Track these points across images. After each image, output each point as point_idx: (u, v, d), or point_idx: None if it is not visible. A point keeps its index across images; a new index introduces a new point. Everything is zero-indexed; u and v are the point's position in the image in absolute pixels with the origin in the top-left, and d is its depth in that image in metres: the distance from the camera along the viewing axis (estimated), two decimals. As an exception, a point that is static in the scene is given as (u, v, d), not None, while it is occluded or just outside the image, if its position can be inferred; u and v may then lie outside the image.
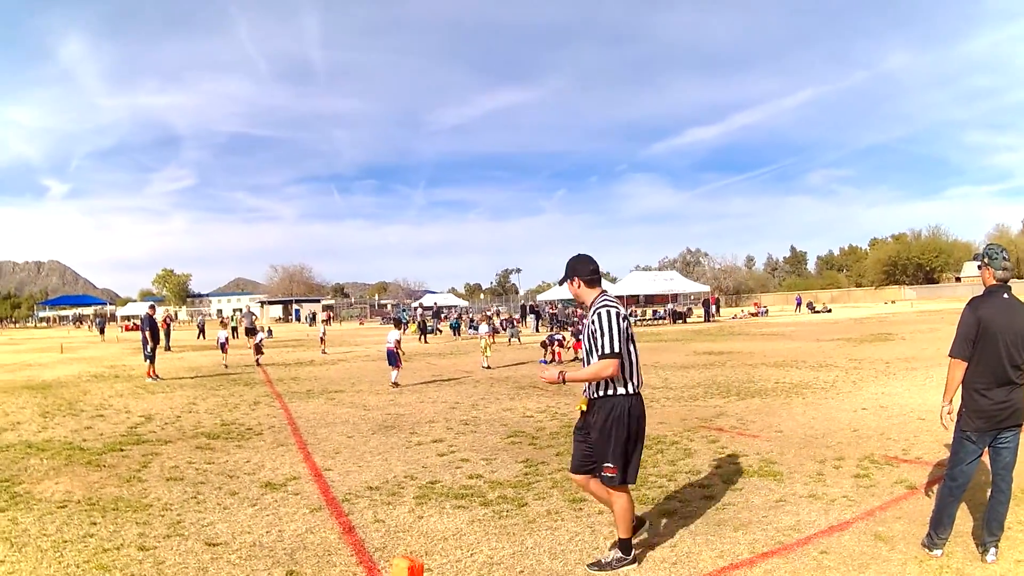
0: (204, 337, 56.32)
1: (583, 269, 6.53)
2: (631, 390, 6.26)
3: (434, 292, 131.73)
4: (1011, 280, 6.37)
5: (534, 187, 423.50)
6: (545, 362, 27.06)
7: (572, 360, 27.55)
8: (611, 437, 6.20)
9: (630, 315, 52.82)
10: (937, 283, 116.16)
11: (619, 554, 6.40)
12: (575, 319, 51.06)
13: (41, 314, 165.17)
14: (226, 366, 28.86)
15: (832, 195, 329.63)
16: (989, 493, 6.36)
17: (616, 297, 6.79)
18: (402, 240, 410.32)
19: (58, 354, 39.78)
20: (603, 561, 6.40)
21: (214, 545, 7.15)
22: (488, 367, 25.10)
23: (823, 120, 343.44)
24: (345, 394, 19.35)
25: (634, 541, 6.57)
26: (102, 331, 66.52)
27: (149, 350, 24.18)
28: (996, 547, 6.17)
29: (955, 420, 6.39)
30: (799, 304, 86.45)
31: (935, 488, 7.18)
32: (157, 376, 24.00)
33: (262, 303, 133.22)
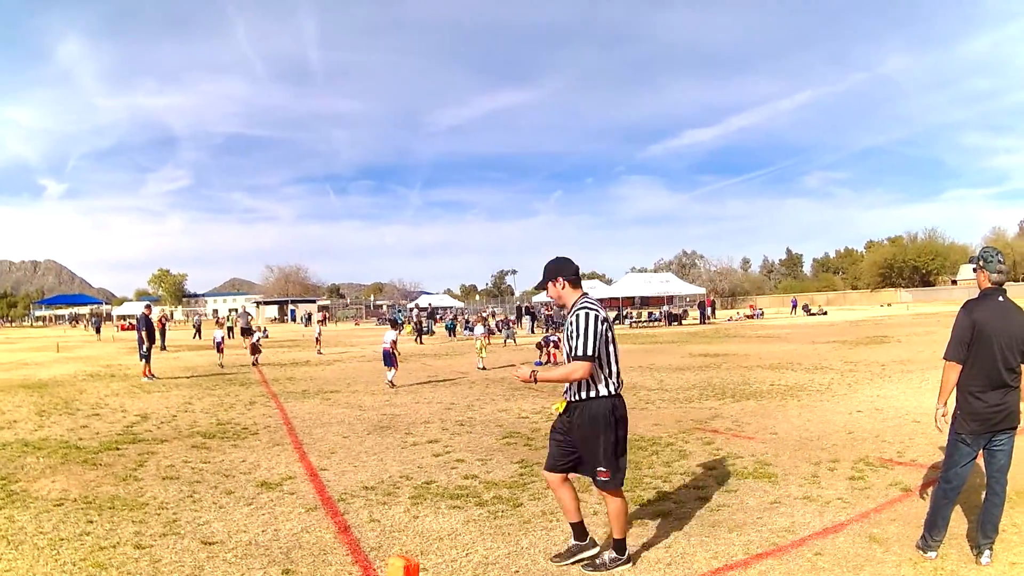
0: (200, 337, 56.35)
1: (567, 270, 6.55)
2: (612, 391, 6.29)
3: (430, 293, 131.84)
4: (1007, 283, 6.39)
5: (531, 188, 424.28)
6: (540, 363, 27.00)
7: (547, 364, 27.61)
8: (599, 440, 6.23)
9: (625, 316, 52.74)
10: (933, 286, 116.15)
11: (614, 554, 6.43)
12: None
13: (37, 313, 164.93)
14: (221, 365, 28.89)
15: (828, 197, 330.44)
16: (983, 496, 6.38)
17: (598, 300, 6.81)
18: (398, 241, 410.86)
19: (54, 353, 39.70)
20: (598, 562, 6.42)
21: (210, 544, 7.17)
22: (483, 368, 25.05)
23: (820, 122, 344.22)
24: (341, 394, 19.34)
25: (629, 543, 6.60)
26: (98, 330, 66.49)
27: (145, 350, 24.14)
28: (991, 549, 6.18)
29: (950, 423, 6.41)
30: (795, 306, 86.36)
31: (930, 490, 7.22)
32: (153, 375, 23.98)
33: (258, 303, 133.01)
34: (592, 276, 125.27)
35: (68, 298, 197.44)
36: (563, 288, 6.50)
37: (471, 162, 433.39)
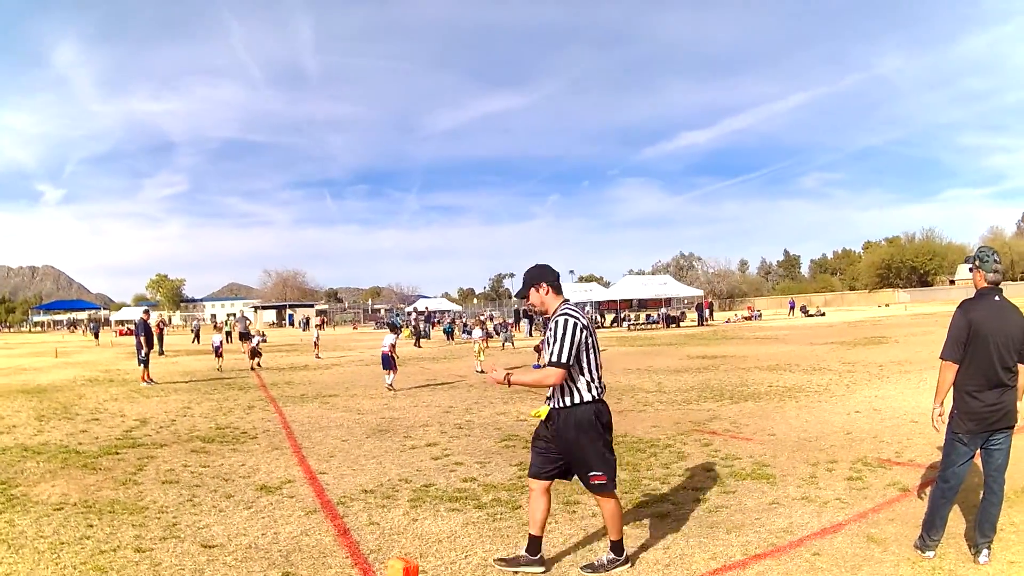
0: (199, 342, 56.34)
1: (549, 276, 6.55)
2: (595, 396, 6.28)
3: (427, 297, 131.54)
4: (1004, 283, 6.41)
5: (527, 192, 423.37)
6: (538, 366, 26.98)
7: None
8: (588, 446, 6.23)
9: (623, 319, 52.71)
10: (931, 286, 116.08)
11: (612, 555, 6.43)
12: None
13: (35, 319, 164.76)
14: (219, 369, 29.00)
15: (825, 198, 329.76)
16: (981, 495, 6.39)
17: (577, 304, 6.82)
18: (395, 245, 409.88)
19: (53, 358, 39.72)
20: (596, 563, 6.43)
21: (210, 547, 7.18)
22: (482, 371, 24.79)
23: (816, 123, 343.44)
24: (339, 398, 19.35)
25: (626, 544, 6.61)
26: (97, 335, 66.61)
27: (143, 355, 24.17)
28: (988, 549, 6.20)
29: (946, 422, 6.43)
30: (792, 308, 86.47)
31: (928, 490, 7.19)
32: (151, 380, 24.00)
33: (256, 308, 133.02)
34: (590, 279, 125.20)
35: (66, 303, 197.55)
36: (546, 294, 6.51)
37: (467, 166, 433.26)
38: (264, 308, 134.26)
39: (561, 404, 6.28)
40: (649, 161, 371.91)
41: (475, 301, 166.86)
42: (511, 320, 69.95)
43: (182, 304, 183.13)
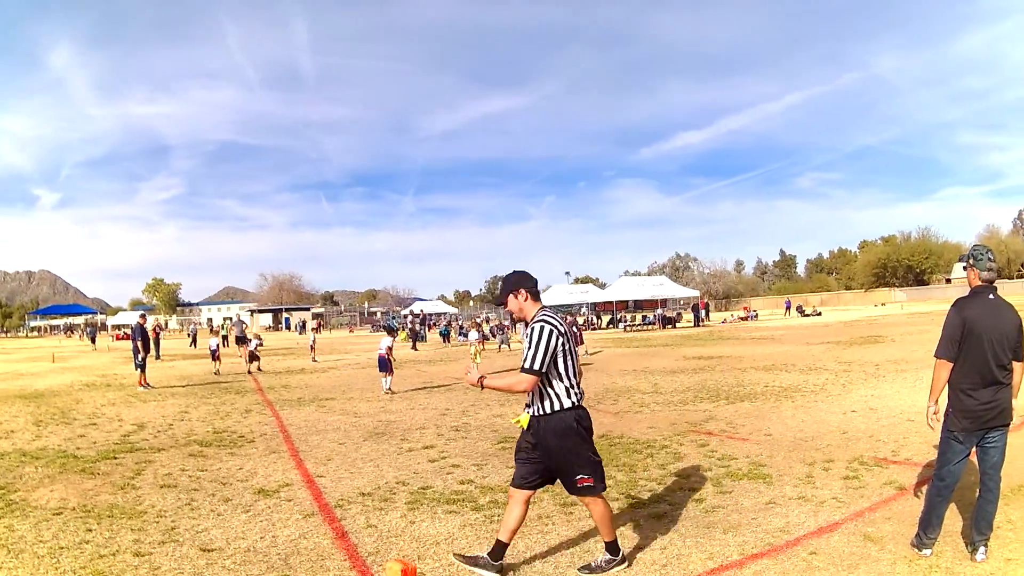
0: (196, 346, 56.32)
1: (528, 283, 6.55)
2: (575, 402, 6.27)
3: (423, 299, 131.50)
4: (1001, 281, 6.44)
5: (523, 193, 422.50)
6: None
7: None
8: (571, 451, 6.22)
9: (620, 320, 52.67)
10: (927, 285, 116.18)
11: (608, 556, 6.45)
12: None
13: (32, 323, 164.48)
14: (217, 373, 29.03)
15: (822, 198, 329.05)
16: (977, 493, 6.41)
17: (555, 308, 6.83)
18: (391, 247, 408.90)
19: (50, 363, 39.68)
20: (593, 564, 6.44)
21: (209, 551, 7.20)
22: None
23: (812, 123, 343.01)
24: (336, 401, 19.37)
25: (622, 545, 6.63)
26: (93, 340, 66.56)
27: (140, 359, 24.17)
28: (985, 546, 6.22)
29: (942, 420, 6.46)
30: (788, 307, 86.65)
31: (924, 489, 7.22)
32: (148, 385, 23.98)
33: (252, 311, 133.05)
34: (586, 280, 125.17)
35: (63, 308, 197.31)
36: (524, 301, 6.49)
37: (463, 167, 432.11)
38: (260, 311, 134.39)
39: (541, 411, 6.26)
40: (645, 162, 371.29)
41: (471, 303, 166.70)
42: (507, 322, 70.01)
43: (178, 308, 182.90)
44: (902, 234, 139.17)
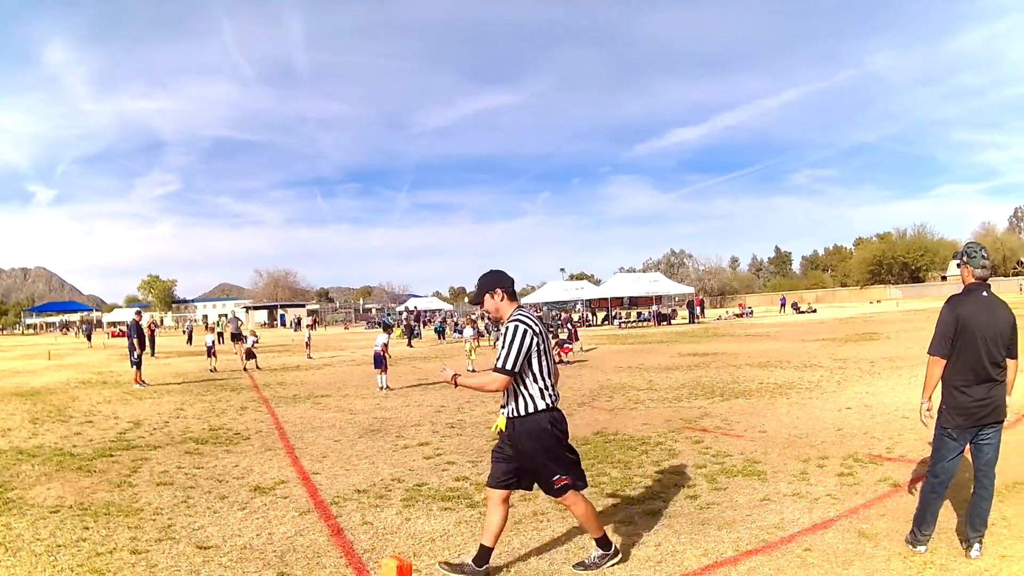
0: (192, 343, 56.26)
1: (505, 282, 6.53)
2: (549, 404, 6.25)
3: (418, 296, 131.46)
4: (996, 278, 6.46)
5: (518, 189, 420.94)
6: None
7: (557, 363, 27.59)
8: (545, 453, 6.19)
9: (615, 317, 52.63)
10: (923, 282, 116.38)
11: (600, 552, 6.46)
12: (559, 322, 51.04)
13: (28, 321, 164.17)
14: (213, 370, 29.05)
15: (817, 195, 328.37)
16: (972, 490, 6.43)
17: (532, 307, 6.80)
18: (386, 243, 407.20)
19: (46, 361, 39.65)
20: (587, 562, 6.46)
21: (205, 548, 7.22)
22: (473, 371, 24.78)
23: (808, 120, 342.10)
24: (331, 398, 19.41)
25: (615, 541, 6.64)
26: (89, 337, 66.58)
27: (136, 356, 24.17)
28: (980, 543, 6.24)
29: (935, 417, 6.48)
30: (783, 304, 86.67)
31: (918, 486, 7.22)
32: (144, 382, 23.98)
33: (247, 308, 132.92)
34: (581, 277, 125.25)
35: (58, 305, 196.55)
36: (500, 300, 6.47)
37: (457, 164, 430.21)
38: (255, 308, 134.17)
39: (515, 413, 6.23)
40: (640, 158, 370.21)
41: (466, 300, 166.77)
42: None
43: (174, 305, 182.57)
44: (898, 231, 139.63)
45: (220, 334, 47.94)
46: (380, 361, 20.95)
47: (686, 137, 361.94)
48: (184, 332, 69.39)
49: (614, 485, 9.22)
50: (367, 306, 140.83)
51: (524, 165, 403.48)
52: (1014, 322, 6.28)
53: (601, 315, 73.99)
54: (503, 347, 6.10)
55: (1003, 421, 6.32)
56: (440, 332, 57.98)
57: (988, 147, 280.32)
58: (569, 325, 38.77)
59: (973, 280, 6.37)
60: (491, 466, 6.52)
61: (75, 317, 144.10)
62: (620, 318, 69.05)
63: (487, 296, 6.50)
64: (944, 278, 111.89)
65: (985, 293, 6.31)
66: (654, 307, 68.51)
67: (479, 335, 34.99)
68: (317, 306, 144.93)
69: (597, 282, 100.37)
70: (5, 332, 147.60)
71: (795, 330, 43.51)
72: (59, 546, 7.31)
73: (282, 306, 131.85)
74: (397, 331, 54.92)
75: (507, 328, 6.16)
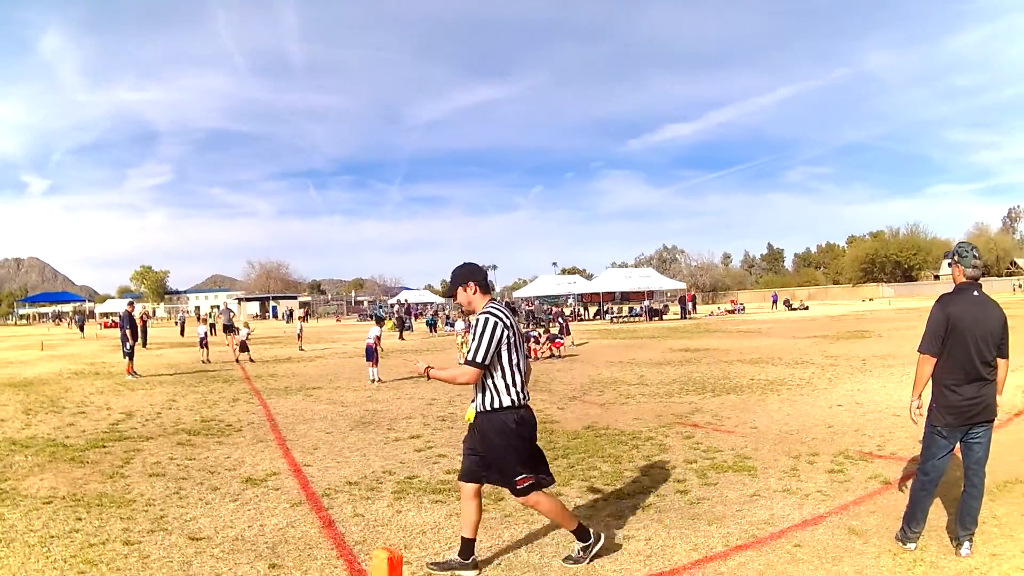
0: (184, 335, 56.18)
1: (478, 275, 6.51)
2: (516, 401, 6.21)
3: (410, 288, 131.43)
4: (990, 278, 6.49)
5: (510, 183, 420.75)
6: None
7: (548, 357, 27.71)
8: (508, 452, 6.16)
9: (606, 312, 52.57)
10: (915, 281, 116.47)
11: (580, 544, 6.46)
12: (550, 317, 51.04)
13: (21, 311, 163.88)
14: (206, 361, 29.08)
15: (811, 192, 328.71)
16: (962, 488, 6.45)
17: (506, 304, 6.80)
18: (379, 236, 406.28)
19: (39, 351, 39.57)
20: (573, 556, 6.46)
21: (197, 539, 7.24)
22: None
23: (802, 117, 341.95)
24: (323, 391, 19.41)
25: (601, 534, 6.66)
26: (82, 328, 66.48)
27: (128, 347, 24.13)
28: (970, 541, 6.26)
29: (924, 415, 6.50)
30: (775, 301, 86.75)
31: (909, 483, 7.24)
32: (136, 373, 23.97)
33: (239, 300, 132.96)
34: (573, 271, 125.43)
35: (51, 296, 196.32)
36: (473, 294, 6.45)
37: (450, 157, 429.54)
38: (248, 300, 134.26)
39: (482, 407, 6.22)
40: (633, 153, 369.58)
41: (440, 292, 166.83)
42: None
43: (166, 296, 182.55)
44: (891, 230, 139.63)
45: (212, 325, 47.89)
46: (372, 354, 20.99)
47: (680, 133, 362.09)
48: (177, 323, 69.33)
49: (604, 479, 9.24)
50: (359, 298, 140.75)
51: (517, 159, 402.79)
52: (1005, 322, 6.31)
53: (593, 310, 73.97)
54: (473, 340, 6.10)
55: (993, 420, 6.35)
56: (432, 325, 58.07)
57: (983, 148, 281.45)
58: (560, 319, 38.81)
59: (964, 279, 6.39)
60: (462, 460, 6.54)
61: (68, 308, 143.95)
62: (612, 313, 69.06)
63: (459, 289, 6.50)
64: (937, 277, 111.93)
65: (976, 293, 6.33)
66: (646, 302, 68.52)
67: (470, 328, 34.96)
68: (309, 298, 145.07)
69: (589, 277, 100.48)
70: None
71: (787, 327, 43.55)
72: (52, 537, 7.32)
73: (274, 298, 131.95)
74: (389, 324, 54.95)
75: (477, 320, 6.16)
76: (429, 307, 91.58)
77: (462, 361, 6.41)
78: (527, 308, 66.05)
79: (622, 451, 10.83)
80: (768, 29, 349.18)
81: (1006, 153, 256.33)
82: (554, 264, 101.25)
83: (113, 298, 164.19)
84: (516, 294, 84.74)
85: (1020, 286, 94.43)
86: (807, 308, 77.26)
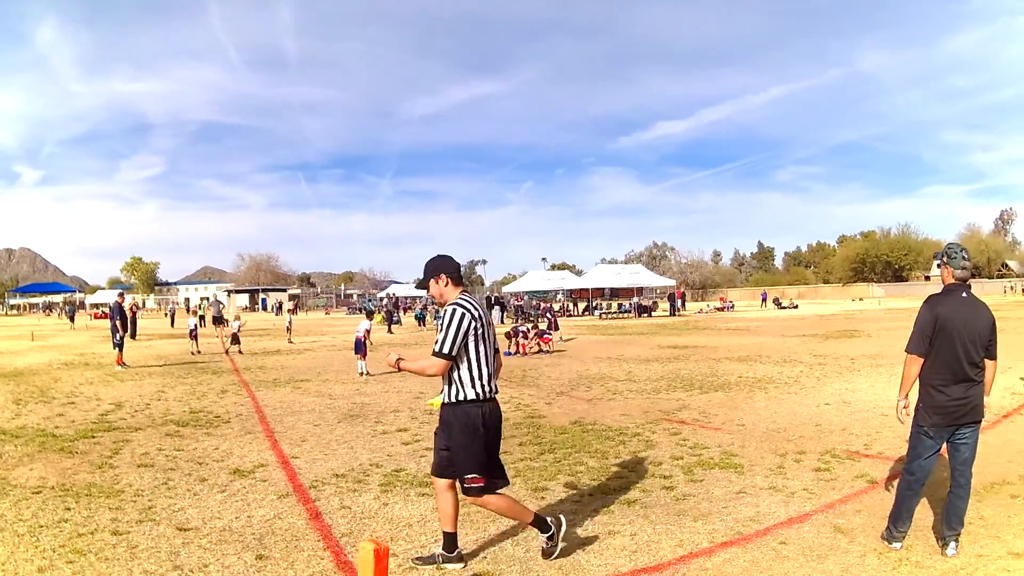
0: (175, 326, 56.14)
1: (450, 267, 6.48)
2: (482, 395, 6.22)
3: (400, 282, 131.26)
4: (981, 280, 6.52)
5: (501, 179, 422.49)
6: (509, 354, 26.91)
7: (536, 352, 27.74)
8: (466, 447, 6.14)
9: (595, 308, 52.60)
10: (906, 281, 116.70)
11: (544, 535, 6.43)
12: (539, 312, 51.07)
13: (11, 301, 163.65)
14: (193, 353, 29.11)
15: (802, 192, 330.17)
16: (949, 488, 6.47)
17: (478, 297, 6.80)
18: (369, 229, 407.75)
19: (29, 342, 39.52)
20: (545, 548, 6.43)
21: (185, 530, 7.25)
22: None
23: (795, 117, 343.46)
24: (311, 383, 19.44)
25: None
26: (72, 319, 66.31)
27: (118, 338, 24.11)
28: (956, 541, 6.27)
29: (911, 415, 6.53)
30: (765, 300, 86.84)
31: (895, 483, 7.25)
32: (126, 364, 23.96)
33: (229, 292, 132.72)
34: (562, 267, 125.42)
35: (42, 286, 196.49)
36: (445, 286, 6.40)
37: (442, 152, 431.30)
38: (237, 292, 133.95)
39: (447, 399, 6.24)
40: (625, 150, 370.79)
41: (413, 284, 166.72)
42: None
43: (156, 287, 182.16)
44: (882, 230, 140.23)
45: (202, 317, 47.91)
46: (360, 347, 21.02)
47: (672, 130, 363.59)
48: (167, 315, 69.28)
49: (591, 475, 9.26)
50: (348, 291, 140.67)
51: (509, 154, 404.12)
52: (993, 323, 6.33)
53: (582, 306, 73.99)
54: (440, 331, 6.09)
55: (980, 421, 6.37)
56: (420, 319, 58.00)
57: (976, 149, 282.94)
58: (549, 315, 38.83)
59: (953, 280, 6.41)
60: (433, 454, 6.57)
61: (58, 298, 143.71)
62: (601, 309, 69.08)
63: (432, 281, 6.46)
64: (927, 278, 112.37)
65: (965, 294, 6.34)
66: (635, 299, 68.51)
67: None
68: (298, 291, 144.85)
69: (579, 273, 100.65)
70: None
71: (776, 325, 43.62)
72: (41, 526, 7.33)
73: (264, 290, 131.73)
74: (378, 317, 54.95)
75: (445, 312, 6.15)
76: (418, 301, 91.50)
77: (393, 353, 6.39)
78: (516, 303, 66.08)
79: (609, 447, 10.85)
80: (763, 28, 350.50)
81: (1001, 155, 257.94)
82: (544, 259, 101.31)
83: (103, 289, 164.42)
84: (505, 289, 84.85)
85: (1011, 288, 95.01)
86: (796, 307, 77.55)
